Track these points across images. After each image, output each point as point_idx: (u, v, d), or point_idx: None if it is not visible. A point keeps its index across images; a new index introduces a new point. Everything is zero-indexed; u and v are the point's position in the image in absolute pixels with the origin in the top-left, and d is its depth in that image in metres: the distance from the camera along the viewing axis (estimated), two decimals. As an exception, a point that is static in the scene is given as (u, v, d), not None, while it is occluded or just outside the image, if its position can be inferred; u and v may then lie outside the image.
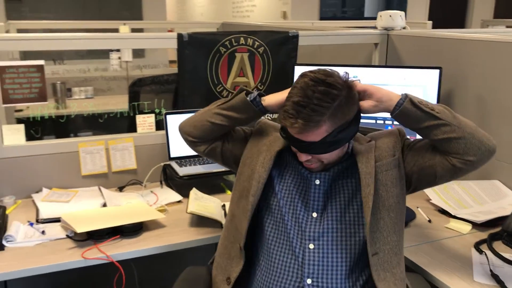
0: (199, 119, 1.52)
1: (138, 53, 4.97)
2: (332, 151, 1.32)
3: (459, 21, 7.11)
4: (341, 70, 1.33)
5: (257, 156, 1.45)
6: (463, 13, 7.25)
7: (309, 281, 1.30)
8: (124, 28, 4.19)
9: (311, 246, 1.33)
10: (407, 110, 1.31)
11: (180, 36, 2.18)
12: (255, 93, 1.46)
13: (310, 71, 1.29)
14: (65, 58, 4.75)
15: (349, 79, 1.31)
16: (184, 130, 1.57)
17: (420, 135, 1.38)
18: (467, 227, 1.77)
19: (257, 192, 1.39)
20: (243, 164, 1.49)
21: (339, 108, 1.26)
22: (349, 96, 1.28)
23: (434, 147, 1.36)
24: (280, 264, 1.34)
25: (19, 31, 3.96)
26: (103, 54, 4.38)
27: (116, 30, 4.14)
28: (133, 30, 4.42)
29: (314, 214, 1.36)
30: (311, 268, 1.31)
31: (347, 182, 1.38)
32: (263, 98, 1.46)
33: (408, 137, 1.47)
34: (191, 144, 1.56)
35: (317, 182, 1.38)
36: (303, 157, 1.33)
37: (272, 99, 1.44)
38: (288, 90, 1.32)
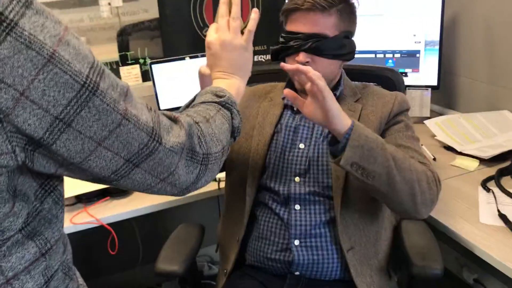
0: None
1: (131, -3, 4.73)
2: (335, 58, 1.20)
3: None
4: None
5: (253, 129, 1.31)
6: None
7: (296, 242, 1.22)
8: (110, -29, 3.96)
9: (297, 207, 1.24)
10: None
11: (157, -23, 2.02)
12: None
13: None
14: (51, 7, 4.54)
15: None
16: None
17: None
18: (474, 164, 1.66)
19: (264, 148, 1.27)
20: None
21: (345, 10, 1.19)
22: (352, 12, 1.22)
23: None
24: (266, 227, 1.26)
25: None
26: (92, 3, 4.16)
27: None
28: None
29: (297, 179, 1.25)
30: (298, 229, 1.22)
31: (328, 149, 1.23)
32: None
33: (403, 116, 1.26)
34: None
35: (302, 146, 1.27)
36: (301, 57, 1.17)
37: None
38: None
